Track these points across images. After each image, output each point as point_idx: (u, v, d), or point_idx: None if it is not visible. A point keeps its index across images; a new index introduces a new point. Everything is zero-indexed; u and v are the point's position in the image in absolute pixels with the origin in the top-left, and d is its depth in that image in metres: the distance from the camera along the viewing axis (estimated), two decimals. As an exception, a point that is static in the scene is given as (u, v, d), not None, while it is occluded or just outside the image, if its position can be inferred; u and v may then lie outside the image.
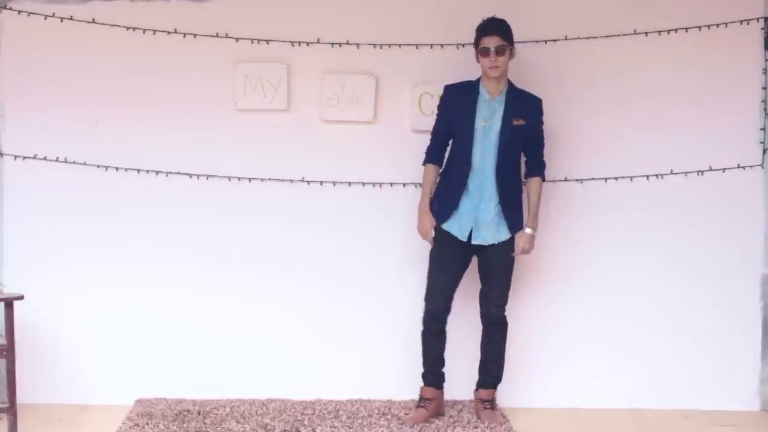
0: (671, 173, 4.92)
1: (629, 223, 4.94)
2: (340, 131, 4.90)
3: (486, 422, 4.55)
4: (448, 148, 4.58)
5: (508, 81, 4.54)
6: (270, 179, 4.86)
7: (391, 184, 4.91)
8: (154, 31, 4.79)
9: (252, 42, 4.84)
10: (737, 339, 4.96)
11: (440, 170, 4.58)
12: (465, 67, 4.85)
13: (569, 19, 4.87)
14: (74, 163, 4.84)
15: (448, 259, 4.54)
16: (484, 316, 4.61)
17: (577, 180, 4.92)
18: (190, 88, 4.84)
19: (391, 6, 4.87)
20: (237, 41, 4.82)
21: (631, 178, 4.92)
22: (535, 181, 4.59)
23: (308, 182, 4.89)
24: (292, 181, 4.88)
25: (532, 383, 4.95)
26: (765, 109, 4.90)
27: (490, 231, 4.50)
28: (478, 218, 4.49)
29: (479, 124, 4.46)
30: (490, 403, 4.65)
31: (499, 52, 4.41)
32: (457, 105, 4.50)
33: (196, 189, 4.88)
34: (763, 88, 4.90)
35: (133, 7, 4.82)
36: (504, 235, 4.52)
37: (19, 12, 4.78)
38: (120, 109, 4.84)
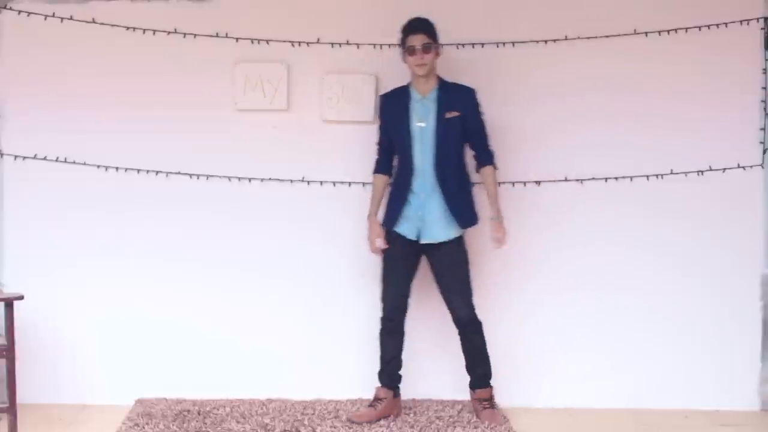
0: (671, 173, 4.92)
1: (629, 223, 4.94)
2: (340, 131, 4.90)
3: (486, 422, 4.55)
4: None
5: (439, 78, 4.55)
6: (270, 179, 4.86)
7: (391, 184, 4.91)
8: (154, 31, 4.79)
9: (252, 42, 4.84)
10: (737, 339, 4.96)
11: (388, 179, 4.62)
12: (465, 67, 4.86)
13: (569, 19, 4.86)
14: (74, 163, 4.84)
15: (399, 260, 4.57)
16: (456, 321, 4.60)
17: (578, 180, 4.92)
18: (190, 88, 4.84)
19: (391, 6, 4.87)
20: (237, 41, 4.82)
21: (631, 178, 4.92)
22: (487, 170, 4.58)
23: (308, 182, 4.89)
24: (292, 181, 4.88)
25: (532, 383, 4.96)
26: (765, 109, 4.90)
27: (439, 229, 4.51)
28: (425, 217, 4.50)
29: (415, 125, 4.49)
30: (489, 402, 4.66)
31: (426, 50, 4.44)
32: (393, 111, 4.53)
33: (196, 189, 4.88)
34: (763, 87, 4.90)
35: (133, 7, 4.82)
36: (454, 232, 4.53)
37: (19, 12, 4.78)
38: (120, 109, 4.84)
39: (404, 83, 4.85)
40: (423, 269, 4.70)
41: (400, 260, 4.59)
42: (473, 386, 4.70)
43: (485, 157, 4.59)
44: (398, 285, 4.59)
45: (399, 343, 4.64)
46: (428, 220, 4.51)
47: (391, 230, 4.57)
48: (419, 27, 4.46)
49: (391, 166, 4.64)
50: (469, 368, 4.69)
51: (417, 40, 4.44)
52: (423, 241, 4.53)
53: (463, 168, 4.58)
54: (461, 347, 4.67)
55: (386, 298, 4.61)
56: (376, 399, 4.66)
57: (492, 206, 4.59)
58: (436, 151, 4.47)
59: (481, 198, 4.64)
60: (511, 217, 4.90)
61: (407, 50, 4.47)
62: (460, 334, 4.64)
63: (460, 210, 4.52)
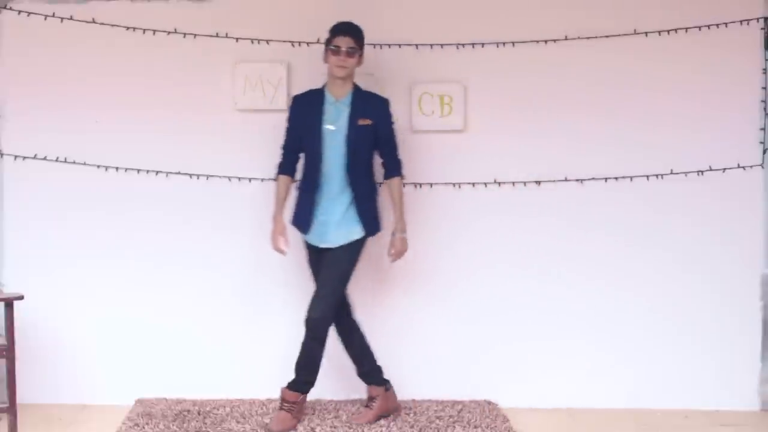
0: (671, 173, 4.92)
1: (629, 223, 4.94)
2: (340, 131, 4.90)
3: (270, 425, 4.50)
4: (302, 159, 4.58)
5: (355, 84, 4.54)
6: (270, 179, 4.85)
7: (391, 184, 4.91)
8: (154, 31, 4.80)
9: (252, 42, 4.84)
10: (737, 339, 4.96)
11: (292, 181, 4.58)
12: (464, 67, 4.87)
13: (569, 19, 4.86)
14: (74, 163, 4.84)
15: (313, 265, 4.59)
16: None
17: (578, 180, 4.92)
18: (190, 88, 4.84)
19: (390, 6, 4.87)
20: (237, 41, 4.82)
21: (631, 177, 4.92)
22: (395, 181, 4.58)
23: (308, 182, 4.89)
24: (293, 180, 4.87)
25: (532, 383, 4.96)
26: (765, 109, 4.90)
27: (340, 233, 4.49)
28: (328, 221, 4.49)
29: (326, 127, 4.47)
30: (288, 404, 4.55)
31: (350, 53, 4.44)
32: (304, 113, 4.51)
33: (196, 189, 4.88)
34: (763, 87, 4.90)
35: (133, 7, 4.82)
36: (355, 235, 4.50)
37: (19, 12, 4.78)
38: (120, 109, 4.85)
39: (404, 83, 4.87)
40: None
41: (314, 266, 4.59)
42: (288, 387, 4.60)
43: (393, 167, 4.58)
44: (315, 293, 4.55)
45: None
46: (329, 223, 4.49)
47: (304, 238, 4.57)
48: (348, 30, 4.45)
49: (295, 168, 4.59)
50: (295, 368, 4.58)
51: (343, 42, 4.43)
52: (323, 246, 4.51)
53: (371, 175, 4.56)
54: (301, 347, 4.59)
55: (310, 305, 4.50)
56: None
57: (396, 217, 4.57)
58: (346, 155, 4.45)
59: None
60: (511, 217, 4.92)
61: (331, 50, 4.44)
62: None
63: (366, 216, 4.50)
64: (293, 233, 4.62)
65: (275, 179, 4.64)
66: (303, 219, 4.53)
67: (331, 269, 4.49)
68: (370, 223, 4.53)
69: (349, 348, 4.67)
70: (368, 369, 4.67)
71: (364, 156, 4.51)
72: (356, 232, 4.50)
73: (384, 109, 4.56)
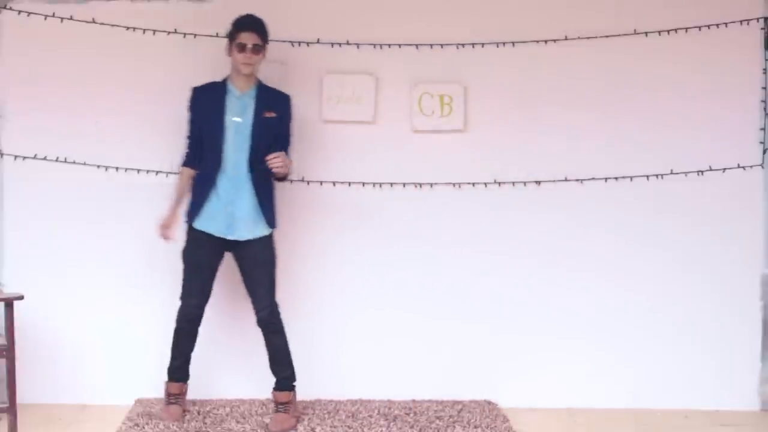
0: (671, 173, 4.92)
1: (629, 223, 4.94)
2: (340, 131, 4.90)
3: (270, 426, 4.50)
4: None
5: (257, 78, 4.53)
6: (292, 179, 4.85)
7: (391, 184, 4.91)
8: (154, 31, 4.79)
9: (252, 42, 4.83)
10: (737, 339, 4.96)
11: (194, 172, 4.54)
12: (464, 67, 4.87)
13: (569, 19, 4.86)
14: (74, 163, 4.84)
15: (202, 259, 4.54)
16: (258, 321, 4.57)
17: (578, 180, 4.92)
18: (190, 88, 4.83)
19: (391, 6, 4.87)
20: (237, 41, 4.82)
21: (631, 177, 4.92)
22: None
23: (308, 182, 4.89)
24: (291, 181, 4.87)
25: (532, 383, 4.96)
26: (765, 109, 4.90)
27: (248, 226, 4.49)
28: (234, 213, 4.47)
29: (230, 120, 4.46)
30: (283, 406, 4.58)
31: (256, 50, 4.42)
32: (206, 105, 4.49)
33: (196, 189, 4.87)
34: (763, 87, 4.90)
35: (133, 7, 4.82)
36: (263, 230, 4.51)
37: (19, 12, 4.78)
38: (120, 109, 4.84)
39: (404, 83, 4.87)
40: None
41: (205, 260, 4.53)
42: (275, 388, 4.62)
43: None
44: (203, 286, 4.54)
45: (194, 342, 4.61)
46: (237, 216, 4.47)
47: (192, 228, 4.51)
48: (253, 26, 4.41)
49: (198, 161, 4.55)
50: (272, 370, 4.63)
51: (249, 39, 4.39)
52: (231, 238, 4.49)
53: (256, 165, 4.52)
54: (266, 348, 4.62)
55: (189, 298, 4.54)
56: (175, 395, 4.61)
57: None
58: (252, 148, 4.45)
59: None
60: (511, 216, 4.92)
61: (237, 46, 4.41)
62: (263, 335, 4.60)
63: (268, 210, 4.51)
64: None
65: (178, 171, 4.61)
66: (199, 210, 4.47)
67: (260, 267, 4.51)
68: (271, 218, 4.53)
69: (184, 345, 4.63)
70: (186, 367, 4.66)
71: (267, 149, 4.46)
72: (264, 226, 4.51)
73: (288, 105, 4.57)
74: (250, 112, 4.47)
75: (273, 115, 4.48)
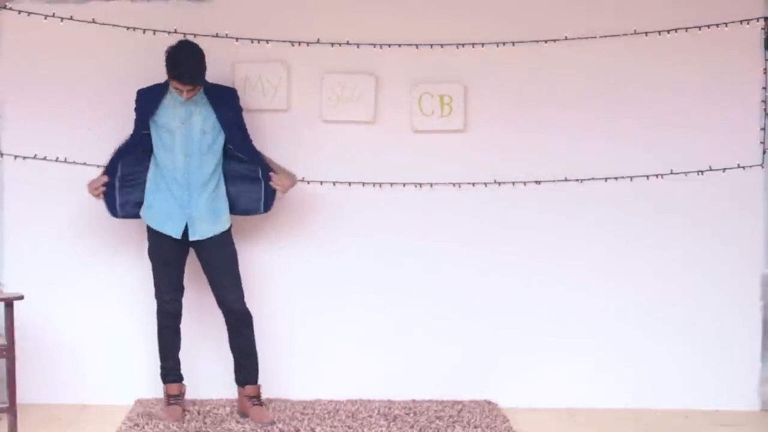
0: (671, 173, 4.92)
1: (629, 223, 4.94)
2: (340, 131, 4.90)
3: (256, 419, 4.54)
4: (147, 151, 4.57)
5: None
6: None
7: (391, 184, 4.91)
8: (154, 31, 4.79)
9: (252, 42, 4.83)
10: (737, 339, 4.96)
11: (125, 160, 4.55)
12: (464, 67, 4.87)
13: (569, 19, 4.86)
14: (74, 163, 4.84)
15: (167, 256, 4.58)
16: (228, 314, 4.59)
17: (578, 180, 4.92)
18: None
19: (391, 6, 4.87)
20: (237, 41, 4.82)
21: (631, 177, 4.92)
22: (264, 158, 4.62)
23: (308, 182, 4.89)
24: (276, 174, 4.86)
25: (532, 383, 4.96)
26: (765, 109, 4.90)
27: (207, 224, 4.53)
28: (192, 214, 4.51)
29: (176, 124, 4.48)
30: (258, 399, 4.64)
31: (191, 91, 4.42)
32: (150, 108, 4.51)
33: (196, 189, 4.87)
34: (763, 88, 4.90)
35: (133, 7, 4.82)
36: (222, 225, 4.56)
37: (19, 12, 4.77)
38: (120, 109, 4.83)
39: (404, 83, 4.87)
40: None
41: (171, 258, 4.58)
42: (242, 383, 4.66)
43: (255, 157, 4.59)
44: (174, 282, 4.59)
45: (180, 339, 4.66)
46: (195, 216, 4.51)
47: (154, 230, 4.57)
48: (188, 79, 4.36)
49: (133, 152, 4.56)
50: (239, 364, 4.66)
51: (183, 87, 4.39)
52: (192, 239, 4.53)
53: (221, 167, 4.57)
54: (230, 343, 4.64)
55: (164, 296, 4.58)
56: (174, 396, 4.65)
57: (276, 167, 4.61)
58: (202, 150, 4.48)
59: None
60: (511, 216, 4.92)
61: (173, 87, 4.42)
62: (231, 329, 4.62)
63: (224, 206, 4.56)
64: (136, 226, 4.67)
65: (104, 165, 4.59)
66: (164, 211, 4.52)
67: (224, 263, 4.56)
68: (227, 214, 4.58)
69: (171, 343, 4.66)
70: (178, 366, 4.69)
71: (218, 149, 4.52)
72: (222, 222, 4.55)
73: (235, 99, 4.60)
74: (198, 116, 4.49)
75: (226, 114, 4.52)
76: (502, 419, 4.67)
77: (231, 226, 4.61)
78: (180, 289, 4.62)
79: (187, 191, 4.51)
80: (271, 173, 4.57)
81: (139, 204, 4.59)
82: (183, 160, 4.49)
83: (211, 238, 4.55)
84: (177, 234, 4.53)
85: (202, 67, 4.42)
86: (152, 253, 4.61)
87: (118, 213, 4.61)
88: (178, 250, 4.59)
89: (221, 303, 4.60)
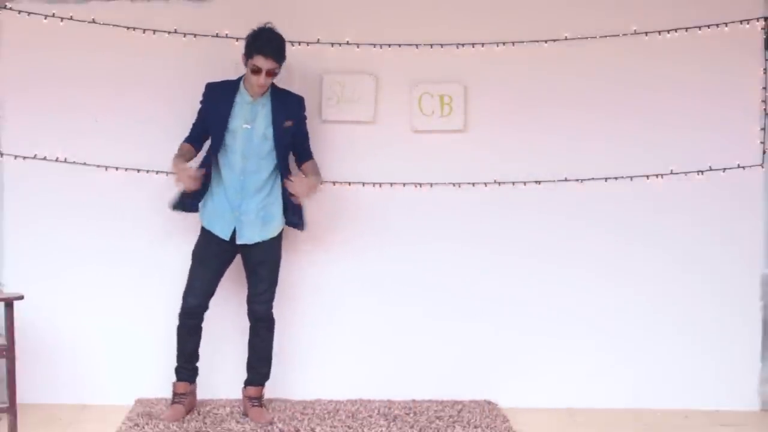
0: (671, 173, 4.92)
1: (629, 223, 4.94)
2: (340, 131, 4.90)
3: (254, 420, 4.56)
4: (208, 145, 4.58)
5: (271, 83, 4.52)
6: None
7: (391, 184, 4.91)
8: (154, 31, 4.79)
9: (252, 42, 4.83)
10: (737, 339, 4.96)
11: (194, 151, 4.55)
12: (464, 67, 4.87)
13: (569, 19, 4.86)
14: (74, 163, 4.84)
15: (210, 256, 4.57)
16: (251, 313, 4.62)
17: (578, 180, 4.92)
18: (190, 88, 4.83)
19: (391, 6, 4.87)
20: (237, 41, 4.82)
21: (631, 177, 4.92)
22: (309, 162, 4.61)
23: (308, 182, 4.89)
24: (291, 181, 4.87)
25: (532, 383, 4.96)
26: (765, 109, 4.90)
27: (255, 229, 4.53)
28: (241, 218, 4.51)
29: (239, 125, 4.46)
30: (258, 401, 4.66)
31: (270, 73, 4.40)
32: (216, 105, 4.49)
33: (196, 189, 4.87)
34: (763, 88, 4.90)
35: (133, 7, 4.82)
36: (271, 232, 4.55)
37: (19, 12, 4.77)
38: (120, 109, 4.85)
39: (404, 83, 4.87)
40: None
41: (213, 259, 4.57)
42: (248, 383, 4.68)
43: (307, 156, 4.62)
44: (207, 283, 4.57)
45: (199, 339, 4.66)
46: (244, 221, 4.51)
47: (205, 229, 4.57)
48: (271, 53, 4.36)
49: (200, 141, 4.57)
50: (249, 364, 4.68)
51: (264, 64, 4.36)
52: (239, 242, 4.53)
53: (280, 172, 4.55)
54: (248, 342, 4.67)
55: (192, 294, 4.56)
56: (180, 395, 4.65)
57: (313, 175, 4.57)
58: (264, 155, 4.48)
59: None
60: (511, 216, 4.92)
61: (252, 68, 4.37)
62: (252, 328, 4.64)
63: (276, 212, 4.55)
64: (191, 221, 4.65)
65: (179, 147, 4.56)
66: (216, 210, 4.53)
67: (264, 265, 4.56)
68: (280, 218, 4.57)
69: (187, 342, 4.66)
70: (192, 366, 4.69)
71: (280, 155, 4.51)
72: (271, 229, 4.54)
73: (301, 108, 4.58)
74: (263, 119, 4.48)
75: (289, 123, 4.50)
76: (502, 419, 4.67)
77: (282, 233, 4.59)
78: (209, 295, 4.59)
79: (240, 194, 4.50)
80: (285, 180, 4.50)
81: (198, 199, 4.58)
82: (241, 162, 4.48)
83: (258, 244, 4.54)
84: (225, 235, 4.52)
85: (283, 47, 4.41)
86: (196, 252, 4.60)
87: (187, 206, 4.59)
88: (224, 253, 4.57)
89: (249, 302, 4.61)
